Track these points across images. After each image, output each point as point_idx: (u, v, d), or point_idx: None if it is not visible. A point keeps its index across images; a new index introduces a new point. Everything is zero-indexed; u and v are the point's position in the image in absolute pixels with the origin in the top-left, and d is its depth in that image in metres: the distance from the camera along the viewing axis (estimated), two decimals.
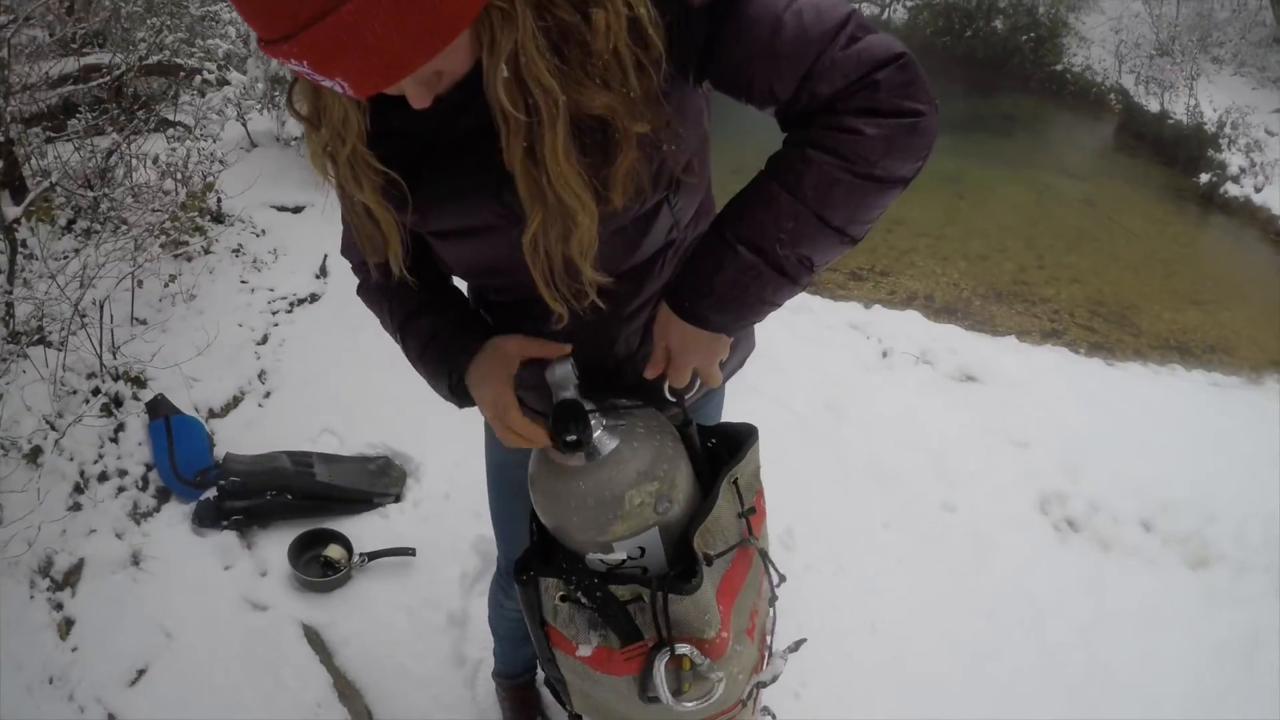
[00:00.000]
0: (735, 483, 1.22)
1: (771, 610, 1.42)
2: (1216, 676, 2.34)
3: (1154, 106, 7.29)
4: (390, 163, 0.95)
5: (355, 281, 1.29)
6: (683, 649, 1.11)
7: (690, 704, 1.14)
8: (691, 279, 1.02)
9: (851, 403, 3.25)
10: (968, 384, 3.44)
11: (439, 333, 1.17)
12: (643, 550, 1.13)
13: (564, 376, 1.09)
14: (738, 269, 0.96)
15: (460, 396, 1.18)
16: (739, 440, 1.26)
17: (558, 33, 0.84)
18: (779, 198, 0.93)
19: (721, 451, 1.26)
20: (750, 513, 1.24)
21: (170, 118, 4.15)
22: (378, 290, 1.23)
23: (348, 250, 1.24)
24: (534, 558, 1.19)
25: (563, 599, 1.16)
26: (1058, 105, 8.03)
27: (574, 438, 1.05)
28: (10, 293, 2.88)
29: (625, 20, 0.84)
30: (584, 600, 1.13)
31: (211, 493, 2.56)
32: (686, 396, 1.18)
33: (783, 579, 1.34)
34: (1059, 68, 8.41)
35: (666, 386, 1.15)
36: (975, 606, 2.47)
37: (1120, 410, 3.35)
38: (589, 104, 0.87)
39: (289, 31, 0.70)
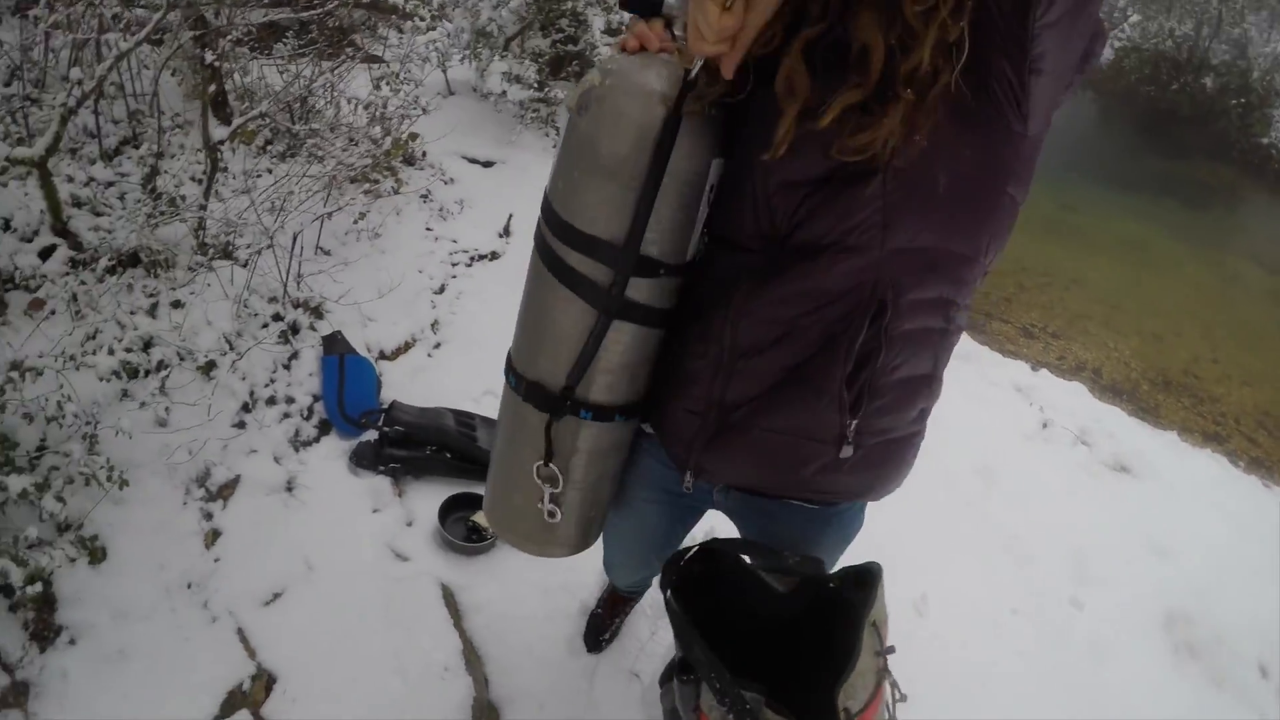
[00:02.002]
0: (874, 624, 1.17)
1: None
2: None
3: None
4: None
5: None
6: None
7: None
8: None
9: (1004, 473, 3.20)
10: (1120, 474, 3.37)
11: None
12: None
13: None
14: None
15: None
16: (866, 580, 1.19)
17: None
18: None
19: (849, 594, 1.19)
20: (890, 651, 1.18)
21: (374, 53, 4.24)
22: None
23: None
24: (693, 660, 1.15)
25: (719, 703, 1.13)
26: (1258, 182, 7.59)
27: None
28: (205, 207, 3.02)
29: None
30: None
31: (373, 435, 2.62)
32: None
33: (904, 697, 1.25)
34: (1265, 140, 7.89)
35: None
36: (1081, 716, 2.39)
37: (1267, 538, 3.23)
38: None
39: None
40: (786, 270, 1.03)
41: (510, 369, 1.24)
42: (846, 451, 1.10)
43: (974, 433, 3.34)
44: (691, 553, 1.29)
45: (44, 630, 2.19)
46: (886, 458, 1.16)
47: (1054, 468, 3.33)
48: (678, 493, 1.30)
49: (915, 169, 0.92)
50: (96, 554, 2.30)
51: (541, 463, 1.21)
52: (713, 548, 1.30)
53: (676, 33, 1.03)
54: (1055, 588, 2.77)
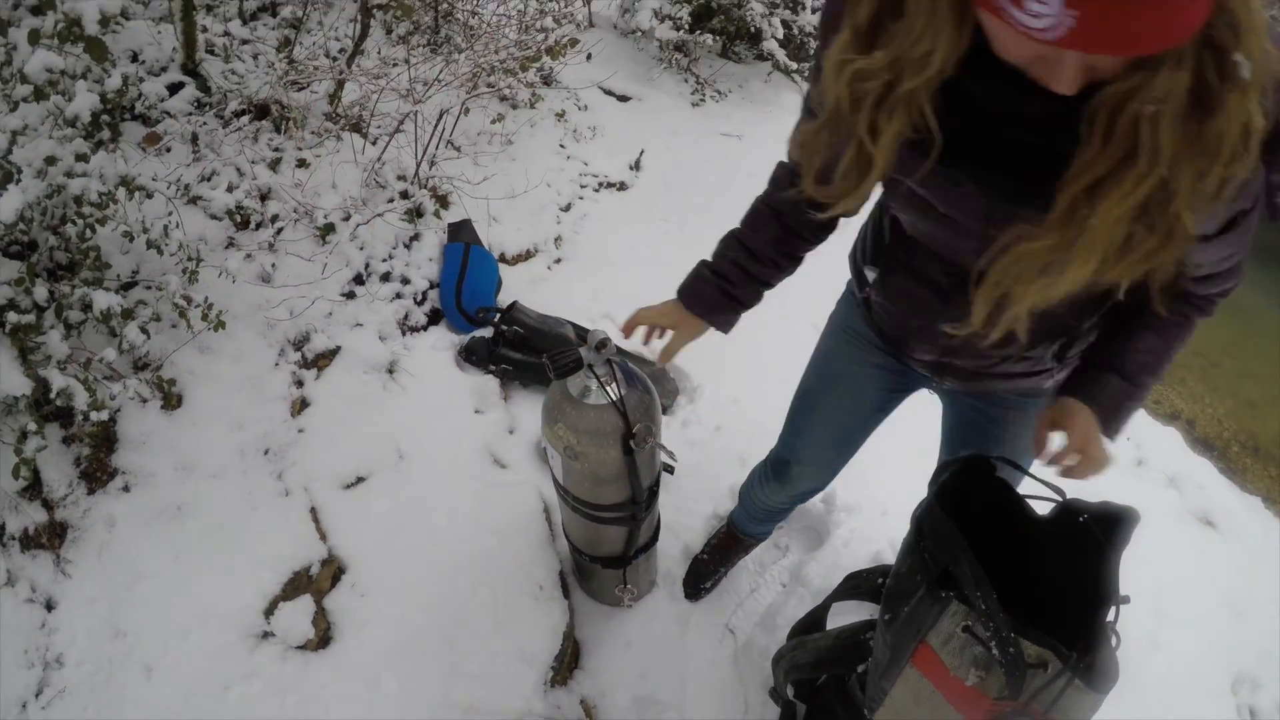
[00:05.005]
0: None
1: None
2: None
3: None
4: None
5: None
6: None
7: None
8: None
9: (1098, 498, 3.01)
10: (1205, 528, 3.26)
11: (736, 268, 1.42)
12: None
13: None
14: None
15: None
16: (1119, 521, 1.23)
17: (1196, 99, 0.77)
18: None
19: (1095, 529, 1.24)
20: (1125, 600, 1.19)
21: None
22: (766, 209, 1.36)
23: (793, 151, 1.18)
24: (959, 575, 1.14)
25: (965, 630, 1.12)
26: None
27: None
28: (345, 71, 2.83)
29: (1241, 124, 0.79)
30: (995, 651, 1.08)
31: (487, 332, 2.39)
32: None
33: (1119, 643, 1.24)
34: None
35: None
36: None
37: None
38: (1176, 182, 0.81)
39: None
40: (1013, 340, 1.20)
41: (577, 550, 1.85)
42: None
43: None
44: (955, 465, 1.30)
45: (97, 470, 1.98)
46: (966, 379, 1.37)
47: (1144, 505, 3.13)
48: (889, 367, 1.49)
49: None
50: (172, 399, 2.09)
51: (620, 586, 1.89)
52: (975, 461, 1.31)
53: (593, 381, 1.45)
54: (1138, 621, 2.57)
